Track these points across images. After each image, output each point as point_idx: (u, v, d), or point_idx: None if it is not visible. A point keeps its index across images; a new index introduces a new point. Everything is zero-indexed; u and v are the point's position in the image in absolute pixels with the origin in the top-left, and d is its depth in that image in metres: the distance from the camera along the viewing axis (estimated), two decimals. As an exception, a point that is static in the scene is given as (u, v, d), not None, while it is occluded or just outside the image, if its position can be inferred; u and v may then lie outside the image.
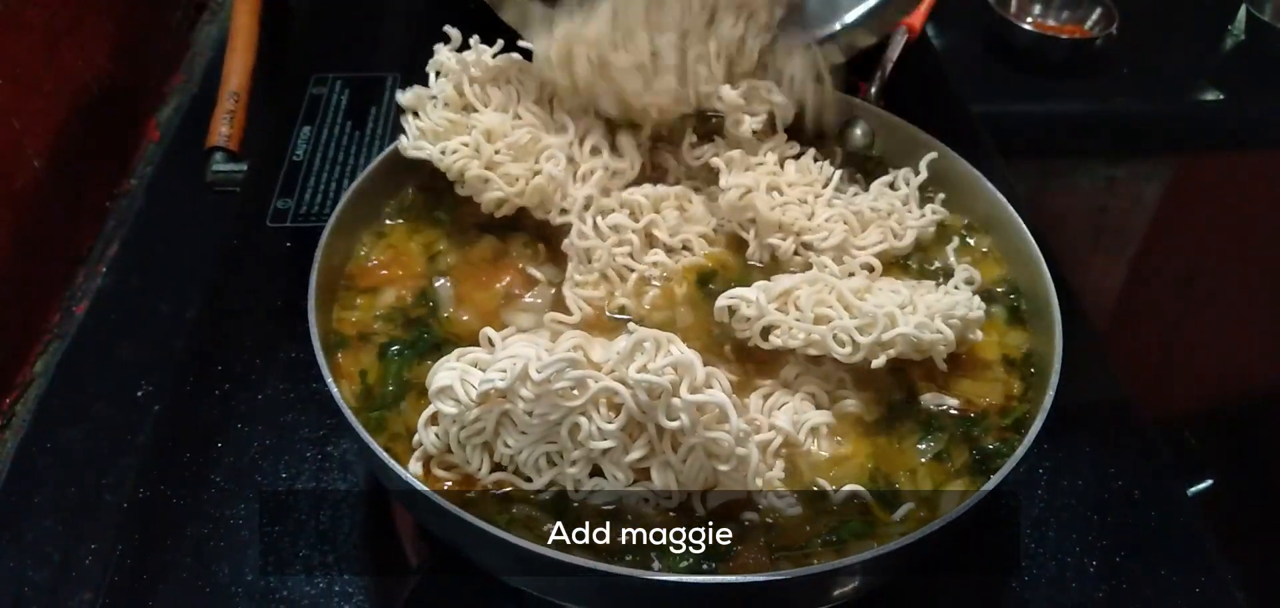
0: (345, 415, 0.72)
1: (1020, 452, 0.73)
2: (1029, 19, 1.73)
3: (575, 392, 0.69)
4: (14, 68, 1.15)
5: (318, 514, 0.93)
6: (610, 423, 0.70)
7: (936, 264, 0.97)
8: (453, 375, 0.73)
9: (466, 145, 0.91)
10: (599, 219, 0.93)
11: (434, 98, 0.94)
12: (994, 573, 0.92)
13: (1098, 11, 1.69)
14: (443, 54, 0.95)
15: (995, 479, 0.71)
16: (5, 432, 1.09)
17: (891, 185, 1.01)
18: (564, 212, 0.93)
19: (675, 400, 0.69)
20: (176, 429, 1.01)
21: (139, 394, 1.10)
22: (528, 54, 0.97)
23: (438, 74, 0.95)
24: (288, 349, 1.07)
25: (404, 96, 0.94)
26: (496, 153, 0.92)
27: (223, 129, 1.30)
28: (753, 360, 0.85)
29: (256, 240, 1.21)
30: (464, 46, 0.96)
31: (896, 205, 0.98)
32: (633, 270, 0.92)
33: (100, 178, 1.34)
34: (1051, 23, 1.73)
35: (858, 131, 1.07)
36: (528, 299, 0.91)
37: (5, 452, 1.06)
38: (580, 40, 0.92)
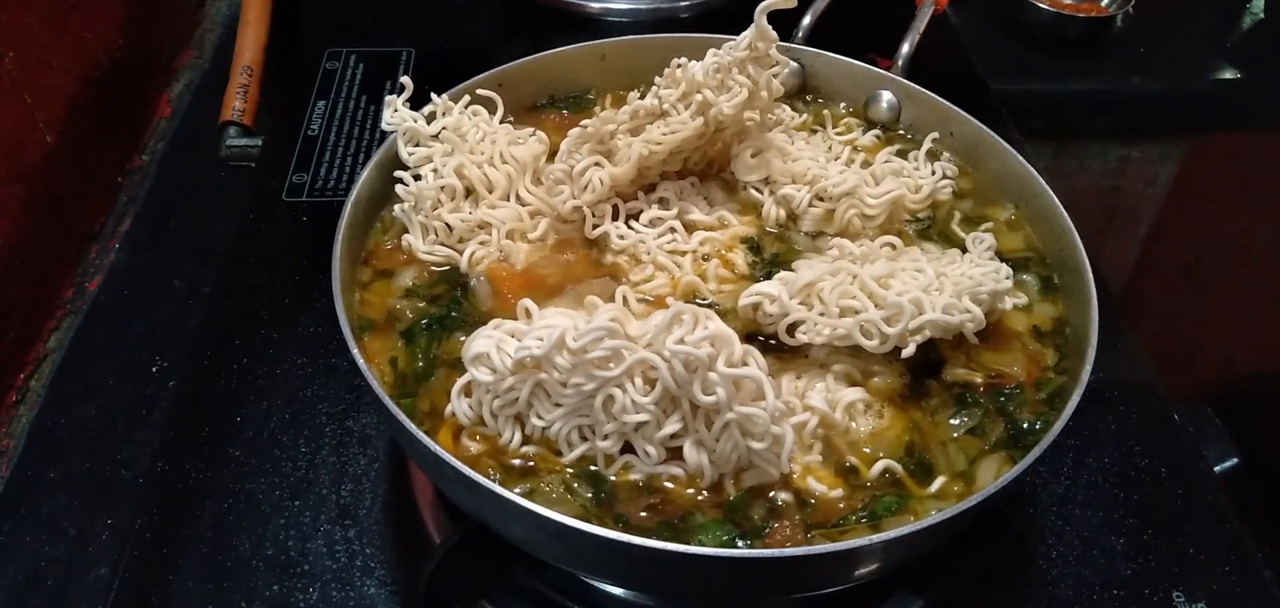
0: (386, 405, 0.71)
1: (1056, 429, 0.72)
2: (1045, -3, 1.72)
3: (611, 362, 0.68)
4: (24, 41, 1.14)
5: (338, 488, 0.93)
6: (645, 396, 0.69)
7: (958, 231, 0.97)
8: (489, 343, 0.73)
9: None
10: (633, 221, 0.92)
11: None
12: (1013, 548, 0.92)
13: (1115, -11, 1.68)
14: (395, 112, 0.93)
15: (1033, 454, 0.70)
16: (20, 407, 1.08)
17: (900, 154, 1.02)
18: (597, 226, 0.92)
19: (711, 374, 0.68)
20: (195, 404, 1.01)
21: (154, 370, 1.09)
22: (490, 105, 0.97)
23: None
24: (306, 323, 1.06)
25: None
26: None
27: (236, 104, 1.29)
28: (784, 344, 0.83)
29: (273, 215, 1.20)
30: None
31: (907, 167, 0.99)
32: (684, 253, 0.91)
33: (112, 153, 1.33)
34: (1067, 0, 1.72)
35: (883, 104, 1.06)
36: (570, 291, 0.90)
37: (20, 427, 1.06)
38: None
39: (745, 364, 0.69)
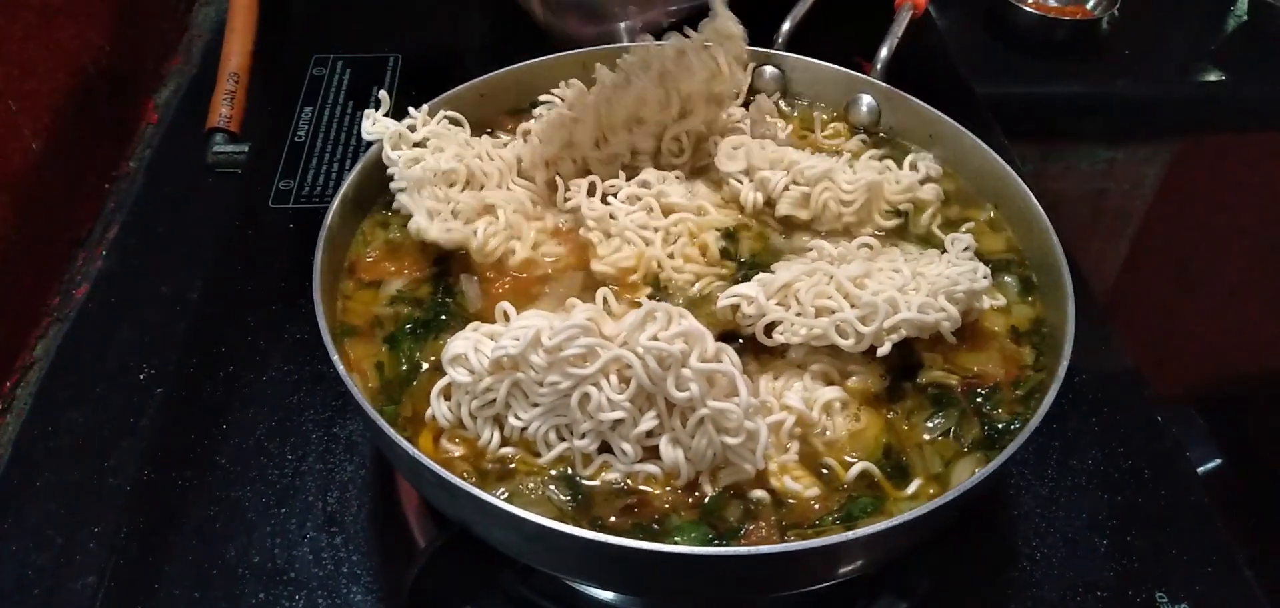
0: (365, 410, 0.71)
1: (1029, 428, 0.72)
2: (1030, 0, 1.72)
3: (587, 360, 0.69)
4: (8, 47, 1.14)
5: (325, 495, 0.93)
6: (621, 393, 0.69)
7: (924, 230, 0.96)
8: (467, 344, 0.74)
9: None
10: (611, 198, 0.92)
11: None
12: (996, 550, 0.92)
13: (1100, -9, 1.69)
14: (375, 123, 0.93)
15: (1007, 452, 0.70)
16: (6, 415, 1.08)
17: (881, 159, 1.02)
18: (568, 198, 0.93)
19: (685, 370, 0.69)
20: (181, 411, 1.01)
21: (141, 377, 1.09)
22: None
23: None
24: (292, 330, 1.06)
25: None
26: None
27: (223, 110, 1.29)
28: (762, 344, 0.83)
29: (259, 221, 1.20)
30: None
31: (892, 166, 0.99)
32: (656, 230, 0.90)
33: (98, 160, 1.33)
34: (1053, 3, 1.73)
35: (864, 107, 1.07)
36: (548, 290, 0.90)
37: (6, 435, 1.06)
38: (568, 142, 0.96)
39: (718, 361, 0.70)
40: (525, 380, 0.72)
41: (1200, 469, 1.05)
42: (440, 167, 0.90)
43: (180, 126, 1.43)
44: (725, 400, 0.69)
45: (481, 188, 0.92)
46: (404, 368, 0.82)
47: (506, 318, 0.76)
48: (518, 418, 0.73)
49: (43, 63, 1.21)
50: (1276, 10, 1.70)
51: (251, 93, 1.36)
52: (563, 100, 0.99)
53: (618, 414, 0.70)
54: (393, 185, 0.91)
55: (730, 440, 0.70)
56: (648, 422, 0.71)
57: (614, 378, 0.70)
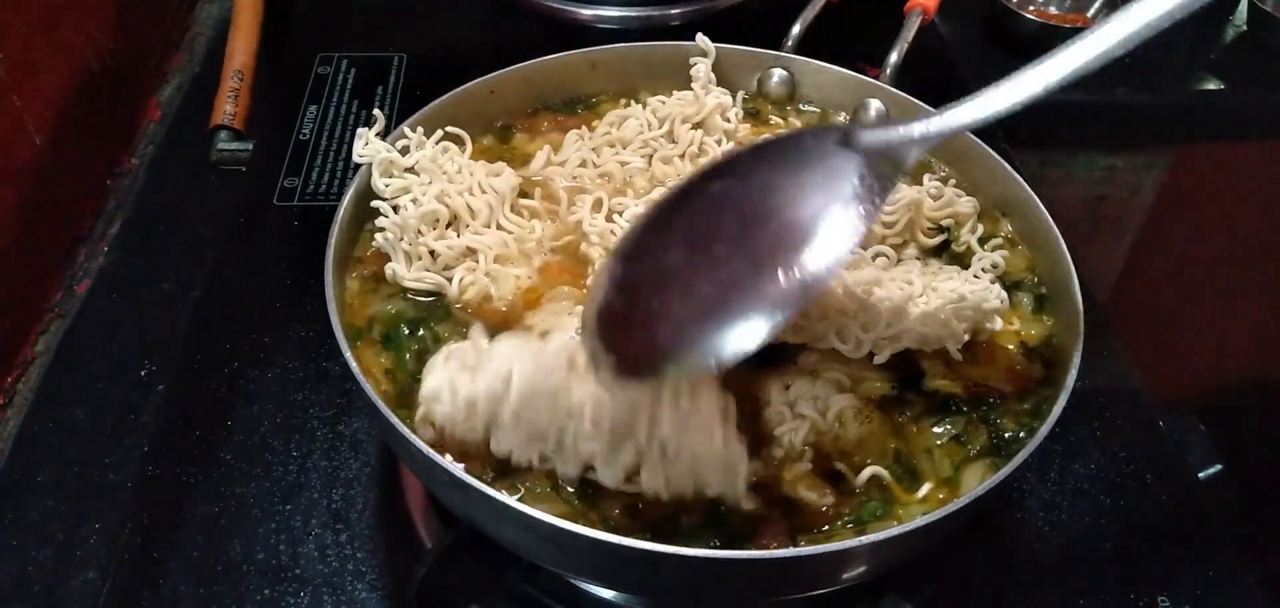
0: (377, 407, 0.70)
1: (1039, 436, 0.72)
2: (1031, 7, 1.73)
3: (557, 399, 0.68)
4: (13, 44, 1.14)
5: (330, 493, 0.93)
6: (594, 432, 0.68)
7: (965, 246, 0.94)
8: (442, 381, 0.72)
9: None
10: (617, 216, 0.92)
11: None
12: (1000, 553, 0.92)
13: (1100, 0, 1.69)
14: (366, 145, 0.91)
15: (1015, 461, 0.70)
16: (7, 411, 1.08)
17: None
18: (572, 211, 0.92)
19: (659, 410, 0.68)
20: (184, 408, 1.01)
21: (143, 373, 1.09)
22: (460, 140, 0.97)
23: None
24: (297, 328, 1.06)
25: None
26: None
27: (227, 108, 1.29)
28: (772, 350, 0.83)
29: (264, 219, 1.20)
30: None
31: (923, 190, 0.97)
32: None
33: (101, 156, 1.33)
34: (1054, 11, 1.73)
35: (872, 112, 1.07)
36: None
37: (7, 431, 1.05)
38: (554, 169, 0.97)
39: (697, 400, 0.69)
40: (501, 416, 0.71)
41: (1201, 475, 1.05)
42: (423, 209, 0.87)
43: (183, 124, 1.42)
44: (703, 443, 0.68)
45: (468, 225, 0.90)
46: (412, 370, 0.81)
47: (478, 345, 0.74)
48: (500, 444, 0.72)
49: (46, 59, 1.20)
50: (1275, 20, 1.70)
51: (256, 91, 1.36)
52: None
53: (594, 445, 0.69)
54: (379, 221, 0.89)
55: (709, 480, 0.70)
56: (626, 456, 0.69)
57: (588, 423, 0.68)
